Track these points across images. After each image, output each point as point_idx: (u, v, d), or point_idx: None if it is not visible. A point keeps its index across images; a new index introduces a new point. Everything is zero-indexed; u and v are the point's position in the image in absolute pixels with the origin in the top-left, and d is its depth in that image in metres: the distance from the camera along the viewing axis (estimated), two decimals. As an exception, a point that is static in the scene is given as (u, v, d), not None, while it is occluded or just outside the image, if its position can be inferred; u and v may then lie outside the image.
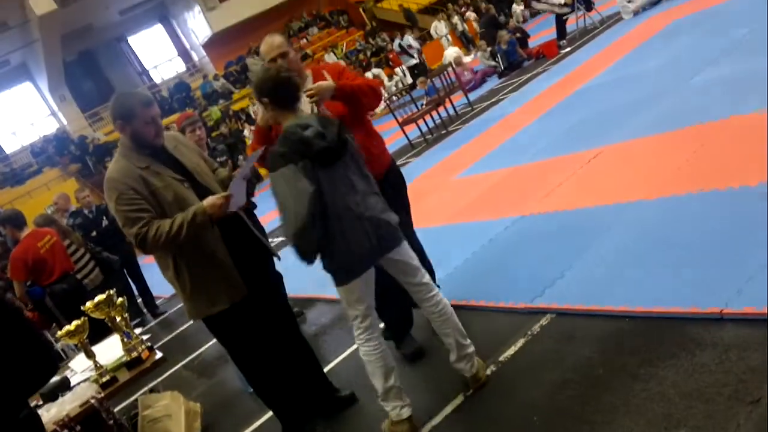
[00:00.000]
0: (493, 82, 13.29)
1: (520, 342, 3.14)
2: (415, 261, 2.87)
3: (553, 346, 2.98)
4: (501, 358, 3.07)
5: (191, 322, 6.64)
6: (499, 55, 13.25)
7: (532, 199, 4.98)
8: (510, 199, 5.37)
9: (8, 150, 22.93)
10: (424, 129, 10.36)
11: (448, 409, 2.89)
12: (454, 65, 12.65)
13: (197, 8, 23.70)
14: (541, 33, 15.35)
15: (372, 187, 2.77)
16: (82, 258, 6.36)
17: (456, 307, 3.71)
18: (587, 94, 7.63)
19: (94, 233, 7.20)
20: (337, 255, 2.64)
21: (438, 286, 3.75)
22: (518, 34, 13.20)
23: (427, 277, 2.90)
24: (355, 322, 2.82)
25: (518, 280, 3.77)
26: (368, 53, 22.52)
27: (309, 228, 2.50)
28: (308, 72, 3.36)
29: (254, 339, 3.13)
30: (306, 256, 2.60)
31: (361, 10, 26.22)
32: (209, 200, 2.79)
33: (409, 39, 19.90)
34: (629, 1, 11.26)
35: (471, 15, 21.89)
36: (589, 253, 3.65)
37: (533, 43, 14.16)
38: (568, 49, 11.95)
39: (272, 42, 3.31)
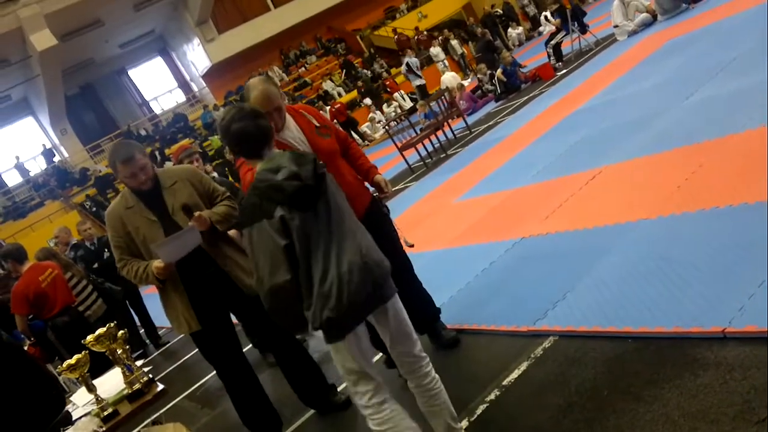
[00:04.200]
0: (490, 106, 13.37)
1: (524, 365, 3.12)
2: (409, 326, 2.51)
3: (556, 369, 2.96)
4: (504, 382, 3.05)
5: (194, 351, 6.61)
6: (496, 79, 13.36)
7: (532, 221, 4.98)
8: (510, 221, 5.37)
9: (10, 183, 23.03)
10: (423, 153, 10.41)
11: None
12: (455, 90, 12.74)
13: (196, 40, 23.96)
14: (537, 56, 15.49)
15: (358, 224, 2.49)
16: (84, 290, 6.34)
17: (458, 331, 3.73)
18: (585, 115, 7.67)
19: (96, 265, 7.21)
20: (327, 307, 2.27)
21: (439, 310, 3.76)
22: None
23: (419, 347, 2.53)
24: (353, 389, 2.45)
25: (520, 303, 3.76)
26: (367, 80, 22.68)
27: (285, 295, 2.29)
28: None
29: (228, 359, 3.56)
30: (287, 323, 2.42)
31: (358, 38, 26.51)
32: (153, 264, 3.23)
33: (416, 60, 19.37)
34: (626, 21, 11.36)
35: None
36: (590, 274, 3.64)
37: (529, 66, 14.28)
38: (564, 71, 12.05)
39: (269, 94, 3.04)
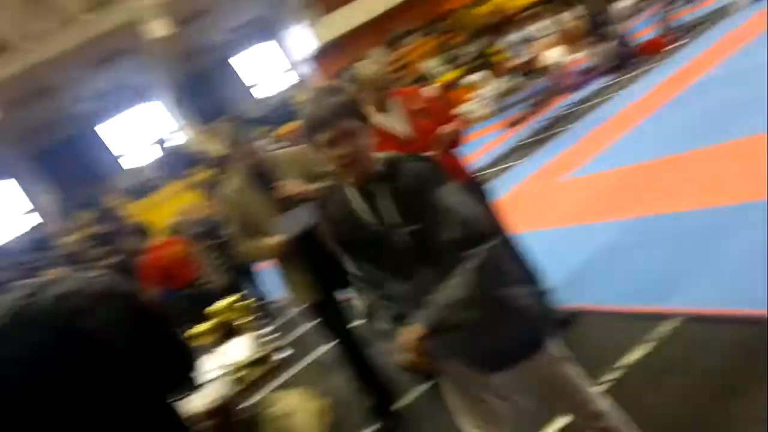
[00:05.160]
0: (600, 81, 12.90)
1: (645, 347, 3.04)
2: None
3: (681, 353, 2.87)
4: (624, 364, 2.99)
5: (306, 326, 6.86)
6: (606, 53, 12.85)
7: (649, 200, 4.82)
8: (627, 199, 5.20)
9: (138, 164, 24.64)
10: (531, 130, 10.21)
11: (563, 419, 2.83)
12: (559, 65, 12.40)
13: (302, 22, 24.44)
14: (647, 29, 14.75)
15: None
16: (206, 265, 6.72)
17: (574, 312, 3.67)
18: (704, 88, 7.27)
19: (216, 241, 7.58)
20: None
21: (548, 290, 3.69)
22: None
23: None
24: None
25: (641, 283, 3.66)
26: (470, 58, 22.39)
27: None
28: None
29: (342, 330, 3.63)
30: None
31: (460, 15, 26.14)
32: (273, 240, 3.32)
33: (524, 33, 18.29)
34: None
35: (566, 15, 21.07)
36: (716, 254, 3.50)
37: (639, 39, 13.63)
38: (676, 44, 11.42)
39: (384, 73, 3.38)
